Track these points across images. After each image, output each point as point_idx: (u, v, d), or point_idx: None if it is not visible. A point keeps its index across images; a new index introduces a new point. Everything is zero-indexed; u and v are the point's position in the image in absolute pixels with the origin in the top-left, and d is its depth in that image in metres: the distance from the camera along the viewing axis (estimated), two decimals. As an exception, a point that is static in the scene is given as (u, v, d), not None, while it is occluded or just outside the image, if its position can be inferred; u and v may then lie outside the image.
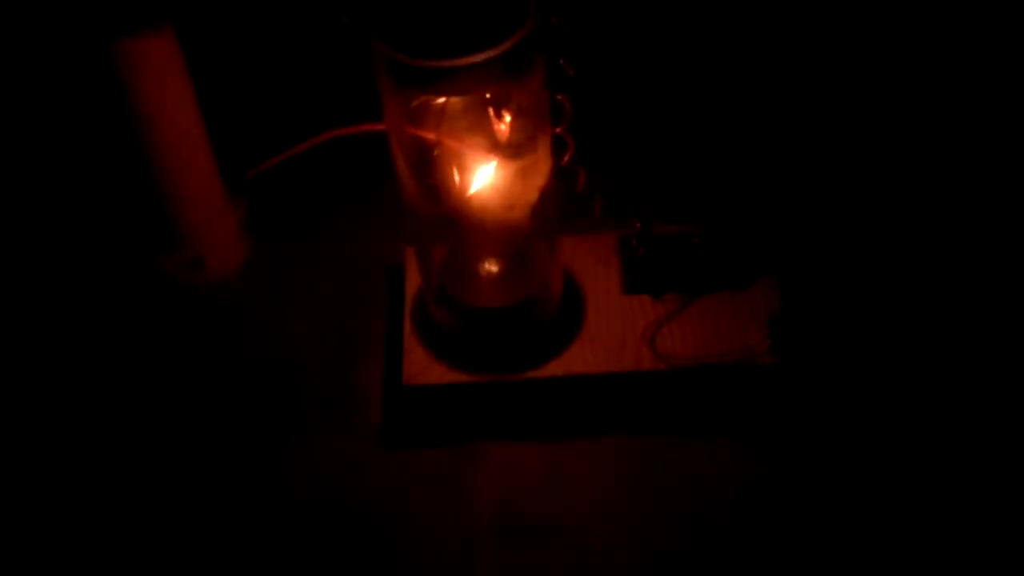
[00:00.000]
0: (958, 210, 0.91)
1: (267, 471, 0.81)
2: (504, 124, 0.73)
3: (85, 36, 0.79)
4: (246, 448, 0.83)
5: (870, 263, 0.89)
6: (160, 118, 0.83)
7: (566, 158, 0.78)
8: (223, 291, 0.92)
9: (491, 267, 0.82)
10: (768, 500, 0.78)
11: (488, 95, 0.71)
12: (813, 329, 0.84)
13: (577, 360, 0.81)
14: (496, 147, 0.73)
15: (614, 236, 0.87)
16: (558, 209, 0.79)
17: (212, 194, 0.90)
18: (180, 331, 0.90)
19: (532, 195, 0.75)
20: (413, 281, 0.85)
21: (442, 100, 0.71)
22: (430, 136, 0.72)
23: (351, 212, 0.96)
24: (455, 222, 0.76)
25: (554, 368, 0.81)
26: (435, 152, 0.73)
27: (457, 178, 0.75)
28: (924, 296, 0.87)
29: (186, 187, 0.88)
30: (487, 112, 0.72)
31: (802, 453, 0.80)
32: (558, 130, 0.76)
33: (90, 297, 0.92)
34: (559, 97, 0.74)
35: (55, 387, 0.87)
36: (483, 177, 0.75)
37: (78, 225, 0.96)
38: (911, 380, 0.82)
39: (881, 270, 0.89)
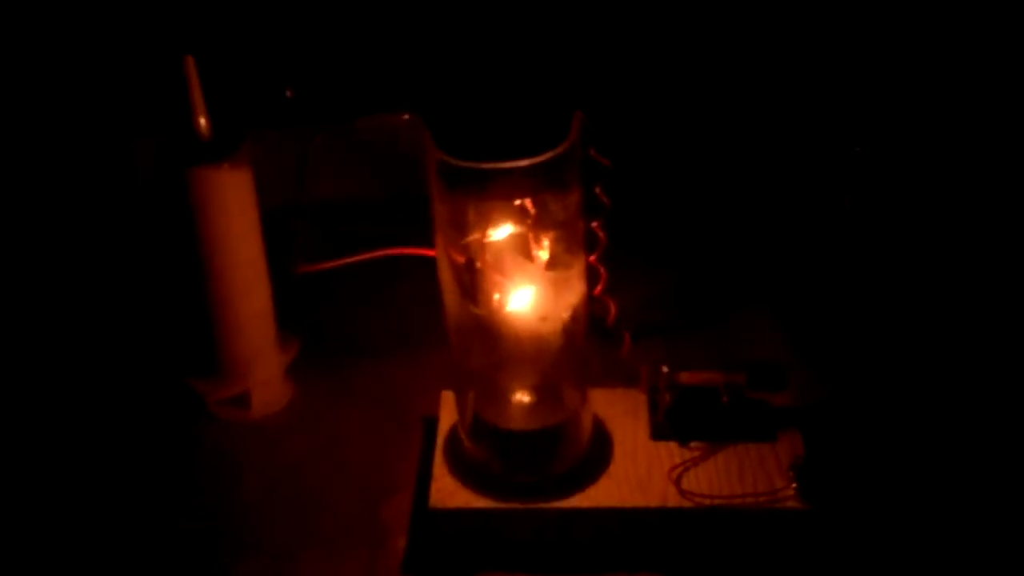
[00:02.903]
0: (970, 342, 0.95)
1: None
2: (543, 249, 0.79)
3: (169, 162, 0.86)
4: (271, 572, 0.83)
5: (894, 416, 0.91)
6: (228, 247, 0.88)
7: (599, 288, 0.83)
8: (262, 428, 0.95)
9: (523, 397, 0.85)
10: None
11: (528, 223, 0.78)
12: (838, 478, 0.85)
13: (603, 493, 0.83)
14: (534, 272, 0.79)
15: (643, 391, 0.90)
16: (589, 348, 0.83)
17: (266, 331, 0.94)
18: (209, 464, 0.92)
19: (564, 311, 0.80)
20: (447, 421, 0.88)
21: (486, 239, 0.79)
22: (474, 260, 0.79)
23: (392, 360, 1.00)
24: (490, 331, 0.80)
25: (579, 500, 0.82)
26: (476, 266, 0.79)
27: (496, 296, 0.80)
28: (948, 444, 0.88)
29: (242, 320, 0.91)
30: (527, 241, 0.79)
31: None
32: (592, 259, 0.82)
33: (131, 423, 0.95)
34: (594, 225, 0.81)
35: (88, 510, 0.89)
36: (521, 299, 0.80)
37: (126, 351, 1.00)
38: (932, 530, 0.82)
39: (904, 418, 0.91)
